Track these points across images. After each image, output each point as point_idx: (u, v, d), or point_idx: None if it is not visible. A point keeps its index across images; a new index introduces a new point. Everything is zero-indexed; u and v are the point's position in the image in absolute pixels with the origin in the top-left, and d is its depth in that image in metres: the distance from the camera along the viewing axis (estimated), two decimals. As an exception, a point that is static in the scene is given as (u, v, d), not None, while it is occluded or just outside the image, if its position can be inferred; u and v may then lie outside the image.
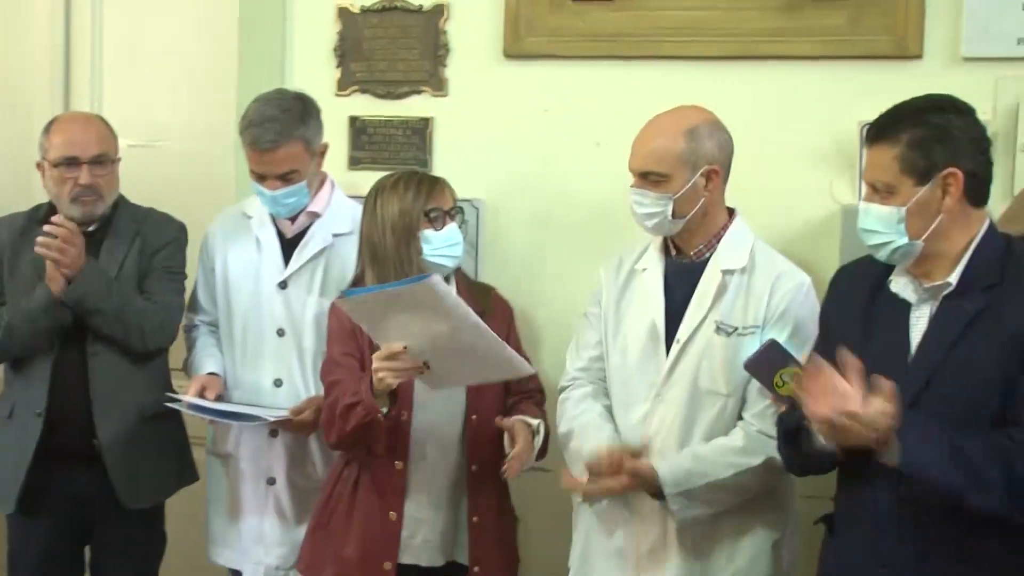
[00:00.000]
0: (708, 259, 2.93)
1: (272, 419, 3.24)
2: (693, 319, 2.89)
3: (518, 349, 3.04)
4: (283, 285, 3.39)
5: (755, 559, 2.90)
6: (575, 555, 3.12)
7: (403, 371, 2.82)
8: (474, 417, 3.08)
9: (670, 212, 2.87)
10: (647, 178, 2.87)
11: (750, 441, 2.80)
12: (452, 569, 3.12)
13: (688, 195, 2.87)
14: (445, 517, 3.10)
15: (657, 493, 2.79)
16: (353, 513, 3.10)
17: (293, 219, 3.40)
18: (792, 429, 2.48)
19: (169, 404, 3.29)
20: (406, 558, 3.09)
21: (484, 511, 3.11)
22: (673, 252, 2.98)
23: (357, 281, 3.11)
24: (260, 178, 3.29)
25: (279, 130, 3.25)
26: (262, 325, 3.41)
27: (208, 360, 3.46)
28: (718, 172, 2.89)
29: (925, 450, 2.26)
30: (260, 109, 3.29)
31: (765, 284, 2.89)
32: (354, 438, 2.97)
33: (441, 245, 3.05)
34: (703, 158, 2.87)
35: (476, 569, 3.09)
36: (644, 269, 3.03)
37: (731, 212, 3.00)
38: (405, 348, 2.76)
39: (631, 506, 2.94)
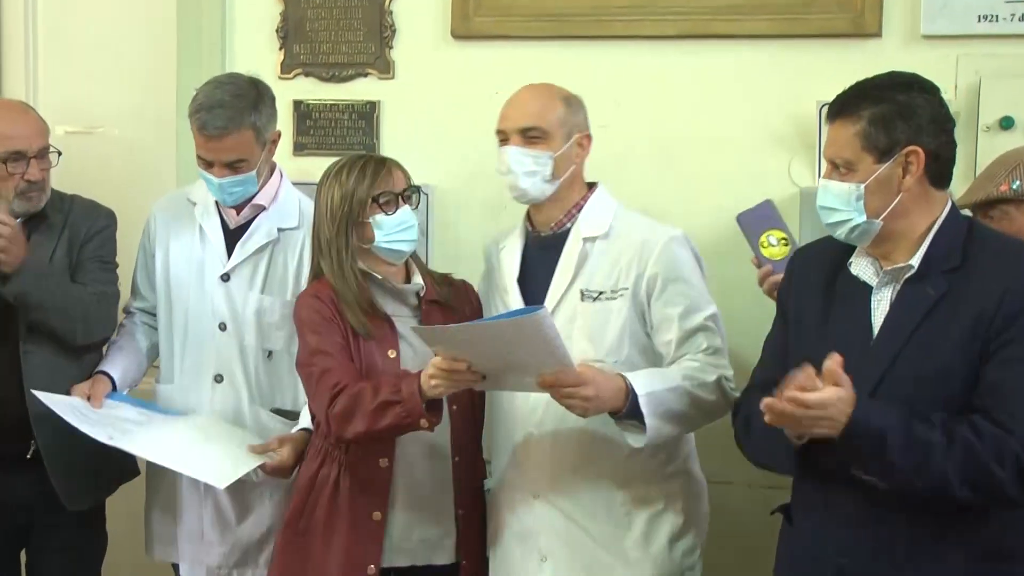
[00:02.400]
0: (569, 229, 2.93)
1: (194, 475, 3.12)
2: (558, 289, 2.89)
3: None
4: (225, 278, 3.28)
5: (652, 531, 2.88)
6: (490, 540, 3.08)
7: (460, 383, 2.73)
8: (455, 407, 2.97)
9: (549, 172, 2.88)
10: (526, 134, 2.87)
11: (700, 362, 2.77)
12: (445, 568, 3.05)
13: (564, 157, 2.89)
14: (437, 513, 3.01)
15: (619, 407, 2.69)
16: (334, 517, 2.97)
17: (239, 209, 3.29)
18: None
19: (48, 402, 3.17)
20: (401, 560, 2.98)
21: (467, 503, 3.03)
22: (531, 228, 2.99)
23: (316, 275, 3.01)
24: (207, 164, 3.17)
25: (229, 116, 3.13)
26: (203, 318, 3.30)
27: (115, 355, 3.36)
28: (590, 139, 2.95)
29: (879, 413, 2.23)
30: (211, 93, 3.17)
31: (633, 245, 2.88)
32: (380, 436, 2.86)
33: (393, 230, 2.92)
34: (576, 126, 2.93)
35: (464, 563, 3.02)
36: (503, 247, 3.05)
37: (592, 186, 3.01)
38: (469, 367, 2.67)
39: (532, 488, 2.91)
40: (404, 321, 2.95)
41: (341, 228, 2.91)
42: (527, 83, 3.49)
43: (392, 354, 2.91)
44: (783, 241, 2.78)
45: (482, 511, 3.10)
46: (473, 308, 3.09)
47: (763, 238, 2.78)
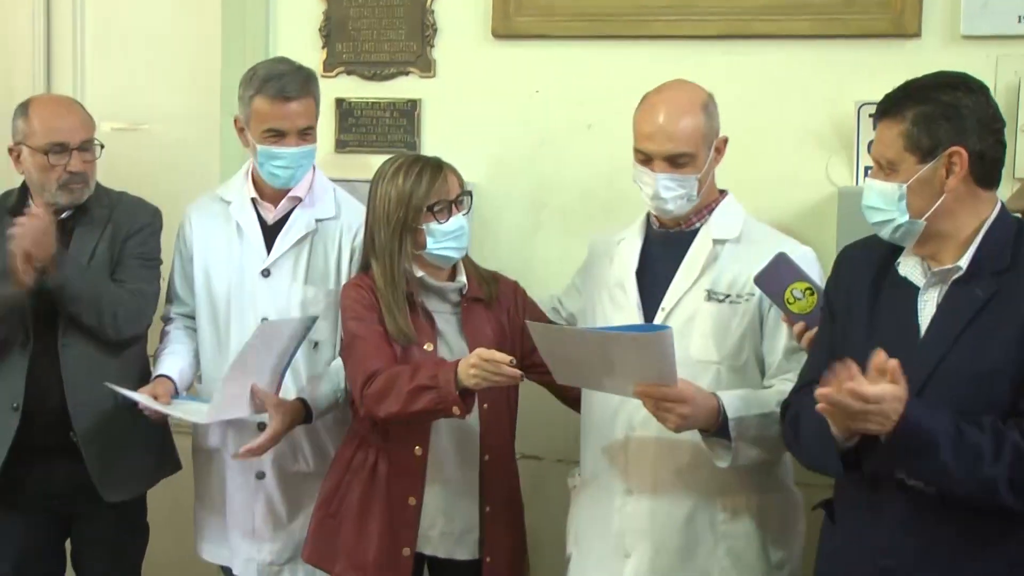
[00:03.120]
0: (698, 228, 2.93)
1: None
2: (680, 286, 2.88)
3: (539, 318, 3.08)
4: (266, 273, 3.30)
5: (747, 542, 2.87)
6: (571, 538, 3.09)
7: (496, 379, 2.77)
8: (486, 406, 3.01)
9: (695, 192, 2.85)
10: (675, 161, 2.81)
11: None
12: (468, 565, 3.09)
13: (707, 171, 2.87)
14: (462, 508, 3.05)
15: (711, 426, 2.72)
16: (370, 500, 3.04)
17: (275, 203, 3.31)
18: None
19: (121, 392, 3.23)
20: (426, 548, 3.05)
21: (496, 502, 3.06)
22: (656, 224, 2.96)
23: (364, 269, 3.07)
24: (278, 136, 3.19)
25: (300, 82, 3.19)
26: (244, 314, 3.31)
27: (167, 359, 3.38)
28: (726, 141, 2.92)
29: (930, 415, 2.22)
30: (274, 66, 3.23)
31: (764, 253, 2.83)
32: (411, 419, 2.92)
33: (444, 238, 2.98)
34: (714, 132, 2.88)
35: (488, 560, 3.05)
36: (622, 240, 3.02)
37: (723, 192, 3.00)
38: (511, 363, 2.73)
39: (627, 485, 2.90)
40: (444, 318, 3.01)
41: (395, 233, 2.97)
42: (559, 81, 3.62)
43: (429, 347, 2.97)
44: (808, 291, 2.72)
45: (516, 510, 3.15)
46: (516, 307, 3.12)
47: (787, 294, 2.73)
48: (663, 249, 2.93)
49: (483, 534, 3.05)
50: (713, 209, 2.93)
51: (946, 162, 2.33)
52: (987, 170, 2.37)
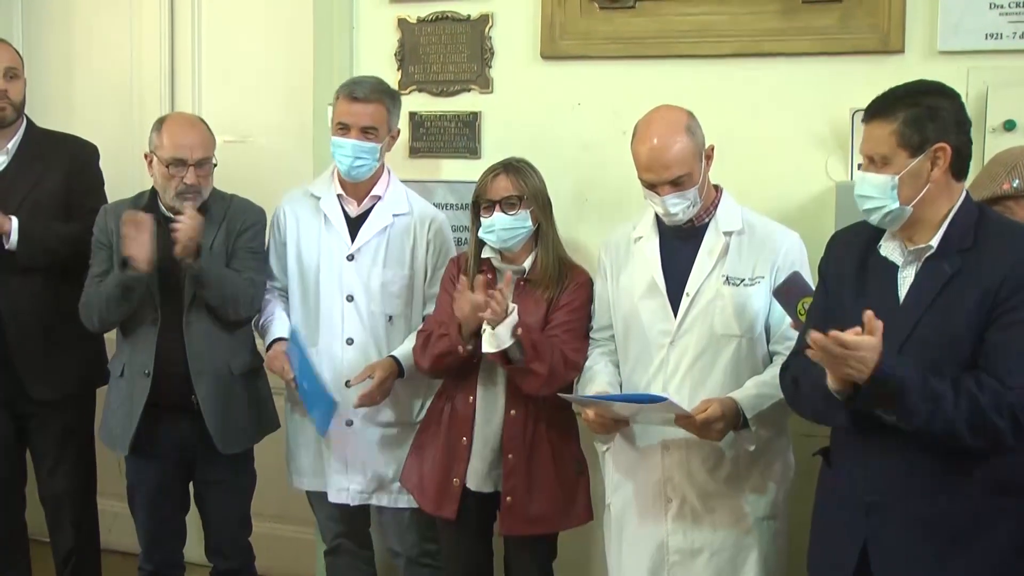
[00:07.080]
0: (708, 223, 2.96)
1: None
2: (701, 272, 2.92)
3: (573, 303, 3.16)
4: (350, 257, 3.40)
5: (759, 479, 2.94)
6: (609, 488, 3.14)
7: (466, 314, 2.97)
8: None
9: (698, 198, 2.90)
10: (675, 183, 2.85)
11: None
12: (494, 496, 3.19)
13: (703, 179, 2.91)
14: (491, 451, 3.16)
15: (737, 424, 2.80)
16: (437, 438, 3.23)
17: (358, 200, 3.42)
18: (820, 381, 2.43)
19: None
20: (470, 482, 3.17)
21: (520, 452, 3.12)
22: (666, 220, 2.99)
23: None
24: (344, 129, 3.30)
25: (371, 88, 3.32)
26: (332, 292, 3.41)
27: (276, 324, 3.48)
28: (713, 147, 2.94)
29: (901, 365, 2.27)
30: (360, 77, 3.42)
31: (767, 241, 2.93)
32: (439, 362, 3.12)
33: (484, 230, 3.16)
34: (701, 146, 2.90)
35: (508, 499, 3.13)
36: (639, 238, 3.05)
37: (717, 187, 3.03)
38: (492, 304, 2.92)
39: (663, 441, 2.95)
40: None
41: (472, 214, 3.21)
42: (598, 95, 3.64)
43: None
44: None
45: (536, 463, 3.13)
46: (562, 291, 3.14)
47: (799, 307, 2.74)
48: (678, 243, 2.96)
49: (504, 477, 3.12)
50: (717, 205, 2.96)
51: (932, 156, 2.37)
52: (961, 163, 2.42)
